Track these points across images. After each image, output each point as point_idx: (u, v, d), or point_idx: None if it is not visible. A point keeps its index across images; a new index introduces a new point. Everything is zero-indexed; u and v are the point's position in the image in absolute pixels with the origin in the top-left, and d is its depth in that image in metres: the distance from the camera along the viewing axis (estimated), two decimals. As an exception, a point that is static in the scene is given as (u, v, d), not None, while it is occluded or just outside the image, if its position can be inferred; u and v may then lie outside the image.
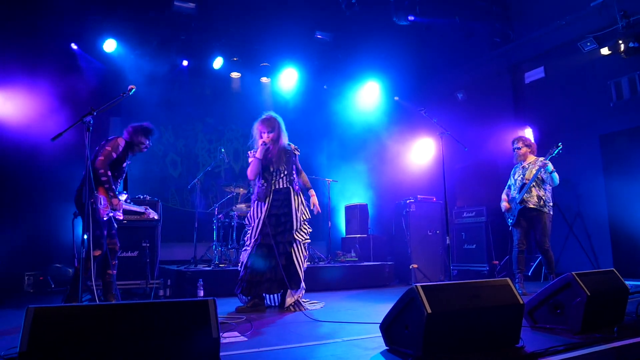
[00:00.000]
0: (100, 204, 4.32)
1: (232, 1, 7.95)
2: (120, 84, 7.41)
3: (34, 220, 7.33)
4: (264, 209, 4.68)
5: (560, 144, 5.56)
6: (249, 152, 4.87)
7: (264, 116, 4.83)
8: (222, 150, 7.73)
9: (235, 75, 9.53)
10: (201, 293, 5.38)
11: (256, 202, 4.78)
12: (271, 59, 9.27)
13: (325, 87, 10.27)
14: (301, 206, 4.81)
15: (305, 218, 4.83)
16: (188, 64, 8.72)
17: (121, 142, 4.60)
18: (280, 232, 4.67)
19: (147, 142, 4.84)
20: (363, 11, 7.71)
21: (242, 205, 7.58)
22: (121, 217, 4.64)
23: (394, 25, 7.96)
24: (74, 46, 7.85)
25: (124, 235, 5.98)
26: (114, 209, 4.51)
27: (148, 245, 6.00)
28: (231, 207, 7.62)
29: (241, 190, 7.82)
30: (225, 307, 4.73)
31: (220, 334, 2.24)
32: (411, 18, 7.67)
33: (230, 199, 7.96)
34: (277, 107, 10.09)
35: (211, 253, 7.39)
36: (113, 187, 4.47)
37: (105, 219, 4.41)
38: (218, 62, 8.83)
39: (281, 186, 4.77)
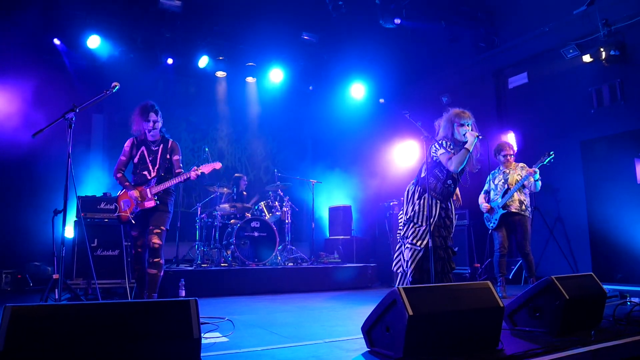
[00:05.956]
0: (119, 208, 4.47)
1: (219, 0, 7.92)
2: (103, 81, 7.30)
3: (11, 217, 7.19)
4: (437, 208, 4.12)
5: (552, 152, 5.45)
6: (442, 141, 4.27)
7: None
8: (206, 149, 7.66)
9: (220, 74, 9.49)
10: (183, 293, 5.34)
11: (431, 199, 4.11)
12: (257, 58, 9.25)
13: (310, 88, 10.28)
14: None
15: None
16: (173, 62, 8.64)
17: (127, 143, 4.58)
18: (444, 237, 4.17)
19: (149, 121, 4.45)
20: (350, 13, 7.72)
21: (226, 205, 7.54)
22: (151, 204, 4.35)
23: (380, 28, 7.99)
24: (56, 41, 7.73)
25: (104, 234, 5.93)
26: (138, 205, 4.38)
27: (129, 244, 5.93)
28: (214, 206, 7.58)
29: (225, 190, 7.78)
30: (207, 307, 4.70)
31: (202, 334, 2.22)
32: (397, 21, 7.70)
33: (214, 198, 7.91)
34: (262, 107, 10.11)
35: (193, 253, 7.34)
36: (126, 183, 4.50)
37: (130, 217, 4.40)
38: (203, 61, 8.78)
39: (454, 191, 4.27)
